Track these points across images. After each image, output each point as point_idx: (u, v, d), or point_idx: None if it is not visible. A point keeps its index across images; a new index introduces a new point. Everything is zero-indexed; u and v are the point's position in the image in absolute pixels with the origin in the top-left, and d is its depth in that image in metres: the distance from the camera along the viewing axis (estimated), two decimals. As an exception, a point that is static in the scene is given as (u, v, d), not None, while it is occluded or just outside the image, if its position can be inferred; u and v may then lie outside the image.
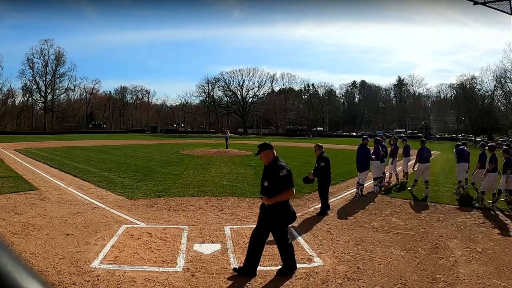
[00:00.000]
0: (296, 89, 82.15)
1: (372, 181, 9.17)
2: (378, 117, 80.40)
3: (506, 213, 6.86)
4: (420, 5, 71.44)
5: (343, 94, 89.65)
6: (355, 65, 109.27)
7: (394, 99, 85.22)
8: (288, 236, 3.91)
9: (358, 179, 8.26)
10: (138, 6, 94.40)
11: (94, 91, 76.67)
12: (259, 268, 3.90)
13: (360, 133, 59.19)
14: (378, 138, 9.56)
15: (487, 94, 53.79)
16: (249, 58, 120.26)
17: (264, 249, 4.56)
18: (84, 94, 76.37)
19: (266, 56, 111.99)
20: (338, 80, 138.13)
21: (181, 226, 5.52)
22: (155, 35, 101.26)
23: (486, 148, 8.06)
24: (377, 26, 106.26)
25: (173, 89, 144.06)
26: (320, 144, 6.98)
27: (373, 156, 8.64)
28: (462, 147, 9.34)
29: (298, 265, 4.04)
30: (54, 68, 69.28)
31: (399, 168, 10.96)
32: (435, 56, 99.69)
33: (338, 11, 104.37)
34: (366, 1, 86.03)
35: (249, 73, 75.50)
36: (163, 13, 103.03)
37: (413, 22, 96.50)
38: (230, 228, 5.47)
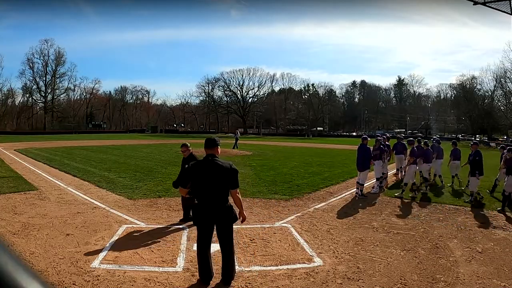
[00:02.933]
0: (296, 89, 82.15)
1: (372, 181, 9.17)
2: (378, 117, 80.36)
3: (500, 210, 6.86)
4: (420, 5, 71.55)
5: (343, 94, 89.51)
6: (355, 65, 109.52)
7: (394, 99, 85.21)
8: (200, 239, 3.65)
9: (358, 179, 8.26)
10: (137, 6, 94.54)
11: (94, 91, 76.52)
12: (259, 268, 3.89)
13: (360, 133, 59.18)
14: (379, 138, 9.59)
15: (487, 94, 53.92)
16: (248, 58, 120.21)
17: (264, 249, 4.57)
18: (84, 94, 76.30)
19: (265, 56, 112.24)
20: (338, 80, 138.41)
21: (181, 226, 5.53)
22: (155, 35, 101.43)
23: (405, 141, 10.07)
24: (376, 26, 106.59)
25: (173, 89, 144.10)
26: (187, 143, 5.83)
27: (374, 156, 8.63)
28: (398, 141, 11.46)
29: (298, 265, 4.04)
30: (54, 68, 69.21)
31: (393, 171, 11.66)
32: (435, 56, 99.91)
33: (337, 11, 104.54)
34: (366, 1, 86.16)
35: (249, 73, 75.56)
36: (162, 13, 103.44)
37: (413, 22, 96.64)
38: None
